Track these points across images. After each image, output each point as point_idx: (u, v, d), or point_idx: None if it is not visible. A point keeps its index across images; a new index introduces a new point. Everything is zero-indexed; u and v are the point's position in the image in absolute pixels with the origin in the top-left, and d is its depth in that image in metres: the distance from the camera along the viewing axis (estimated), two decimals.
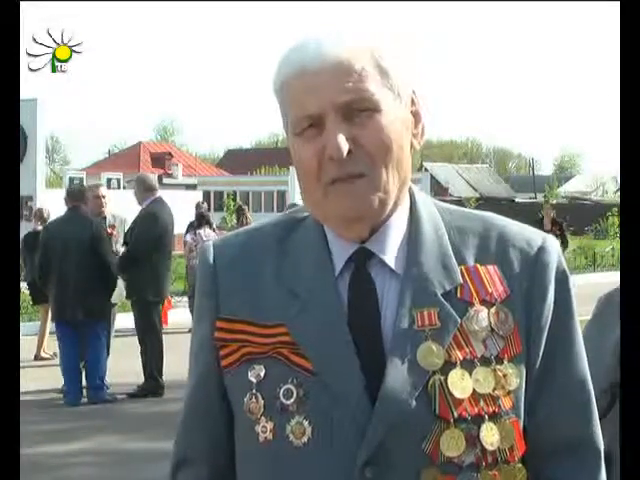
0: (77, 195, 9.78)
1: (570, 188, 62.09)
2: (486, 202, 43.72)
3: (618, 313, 2.58)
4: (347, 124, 1.52)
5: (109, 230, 10.23)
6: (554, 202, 33.49)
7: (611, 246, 27.63)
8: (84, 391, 9.64)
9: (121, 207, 12.53)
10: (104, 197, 10.48)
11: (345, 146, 1.51)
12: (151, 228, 9.74)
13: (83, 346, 9.60)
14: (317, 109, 1.52)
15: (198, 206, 15.15)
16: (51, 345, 11.66)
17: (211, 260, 1.67)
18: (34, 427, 8.24)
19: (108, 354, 10.25)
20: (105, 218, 10.43)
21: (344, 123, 1.52)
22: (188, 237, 14.10)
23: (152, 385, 9.87)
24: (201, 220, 13.92)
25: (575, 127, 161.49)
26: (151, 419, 9.10)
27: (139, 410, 9.45)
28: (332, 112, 1.52)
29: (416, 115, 1.61)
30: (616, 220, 29.98)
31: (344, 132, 1.51)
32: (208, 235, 14.26)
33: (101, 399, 9.53)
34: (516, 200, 52.30)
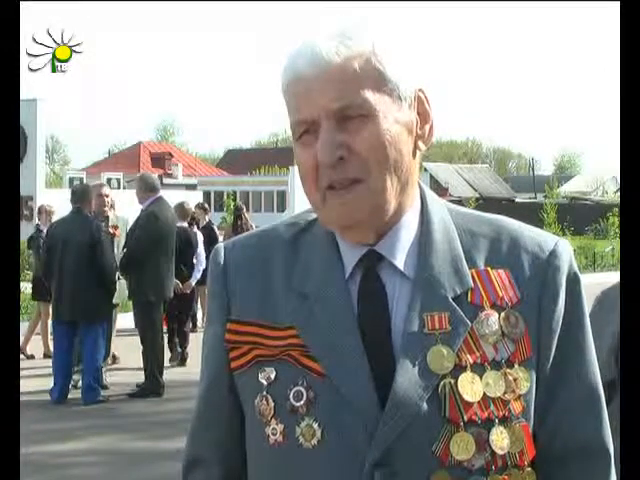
0: (80, 196, 9.78)
1: (570, 188, 62.09)
2: (486, 202, 43.73)
3: (613, 310, 2.59)
4: (341, 130, 1.51)
5: (111, 230, 10.24)
6: (554, 202, 33.49)
7: (611, 246, 27.65)
8: (79, 391, 9.68)
9: (121, 207, 12.54)
10: (107, 196, 10.47)
11: (333, 153, 1.50)
12: (152, 228, 9.76)
13: (81, 347, 9.64)
14: (311, 115, 1.52)
15: (197, 206, 15.17)
16: (35, 345, 11.68)
17: (222, 262, 1.67)
18: (34, 427, 8.25)
19: (108, 355, 10.27)
20: (108, 218, 10.44)
21: (338, 129, 1.51)
22: None
23: (152, 385, 9.87)
24: (191, 222, 13.92)
25: (575, 127, 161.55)
26: (151, 419, 9.11)
27: (139, 410, 9.45)
28: (325, 118, 1.51)
29: (423, 115, 1.59)
30: (616, 220, 30.00)
31: (337, 138, 1.51)
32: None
33: (92, 400, 9.52)
34: (516, 200, 52.29)
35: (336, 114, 1.51)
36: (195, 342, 10.88)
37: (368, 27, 1.56)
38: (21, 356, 11.72)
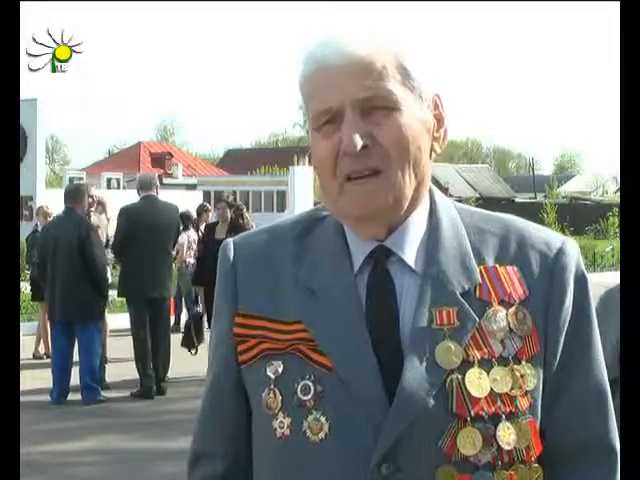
0: (72, 195, 9.80)
1: (570, 188, 62.00)
2: (486, 202, 43.69)
3: (617, 311, 2.58)
4: (365, 120, 1.53)
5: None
6: (554, 202, 33.49)
7: (611, 246, 27.64)
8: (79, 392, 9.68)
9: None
10: (92, 197, 10.45)
11: (359, 141, 1.52)
12: (120, 225, 9.95)
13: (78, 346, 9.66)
14: (336, 104, 1.54)
15: (201, 209, 15.23)
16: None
17: (231, 258, 1.68)
18: (34, 427, 8.25)
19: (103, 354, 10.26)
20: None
21: (362, 119, 1.53)
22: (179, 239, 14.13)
23: (143, 389, 9.86)
24: (186, 222, 13.94)
25: (575, 127, 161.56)
26: (151, 419, 9.11)
27: (139, 410, 9.46)
28: (350, 108, 1.53)
29: (439, 119, 1.62)
30: (616, 220, 29.99)
31: (361, 128, 1.53)
32: (190, 235, 14.26)
33: (92, 400, 9.51)
34: (516, 200, 52.24)
35: (361, 104, 1.53)
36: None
37: (394, 25, 1.59)
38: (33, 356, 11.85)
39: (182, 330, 11.43)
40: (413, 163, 1.56)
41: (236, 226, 10.78)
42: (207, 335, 10.23)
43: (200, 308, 11.03)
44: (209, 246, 10.35)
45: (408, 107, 1.55)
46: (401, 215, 1.59)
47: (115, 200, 12.47)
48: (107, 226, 11.25)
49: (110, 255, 11.08)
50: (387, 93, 1.53)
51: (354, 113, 1.53)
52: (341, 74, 1.53)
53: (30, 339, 11.99)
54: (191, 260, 14.23)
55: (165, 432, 8.38)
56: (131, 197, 10.53)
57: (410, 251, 1.60)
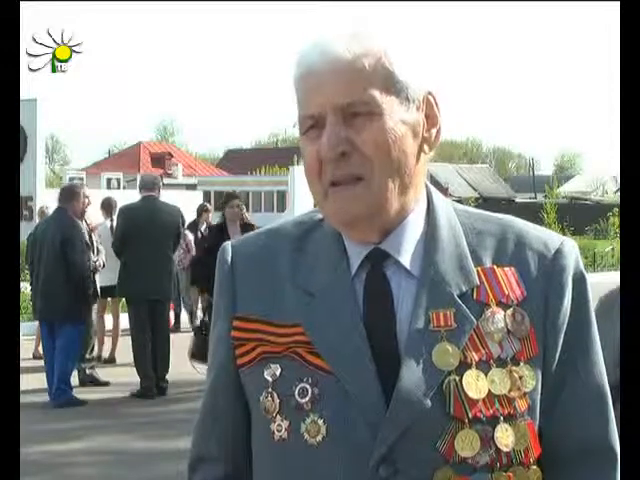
0: (63, 196, 9.80)
1: (570, 188, 61.92)
2: (486, 202, 43.70)
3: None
4: (346, 126, 1.53)
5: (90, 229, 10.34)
6: (554, 202, 33.49)
7: (611, 246, 27.65)
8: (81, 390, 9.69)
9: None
10: (87, 197, 10.45)
11: (337, 148, 1.52)
12: (119, 224, 10.08)
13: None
14: (318, 110, 1.54)
15: (202, 209, 15.23)
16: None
17: (229, 260, 1.68)
18: (34, 427, 8.25)
19: (86, 351, 10.25)
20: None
21: (343, 125, 1.53)
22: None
23: (144, 388, 9.86)
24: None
25: (575, 127, 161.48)
26: (151, 419, 9.11)
27: (139, 410, 9.46)
28: (332, 113, 1.53)
29: (431, 119, 1.60)
30: (616, 220, 29.99)
31: (341, 134, 1.52)
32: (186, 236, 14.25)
33: (61, 402, 9.42)
34: (516, 200, 52.24)
35: (342, 110, 1.52)
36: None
37: (382, 27, 1.57)
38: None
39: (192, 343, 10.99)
40: (397, 167, 1.54)
41: (248, 226, 10.57)
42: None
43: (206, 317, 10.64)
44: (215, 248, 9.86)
45: (391, 111, 1.53)
46: (395, 218, 1.58)
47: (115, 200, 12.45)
48: (113, 227, 11.21)
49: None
50: (368, 98, 1.52)
51: (336, 119, 1.52)
52: (325, 79, 1.53)
53: (30, 339, 11.99)
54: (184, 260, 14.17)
55: (165, 432, 8.38)
56: (131, 197, 10.54)
57: (406, 253, 1.59)
